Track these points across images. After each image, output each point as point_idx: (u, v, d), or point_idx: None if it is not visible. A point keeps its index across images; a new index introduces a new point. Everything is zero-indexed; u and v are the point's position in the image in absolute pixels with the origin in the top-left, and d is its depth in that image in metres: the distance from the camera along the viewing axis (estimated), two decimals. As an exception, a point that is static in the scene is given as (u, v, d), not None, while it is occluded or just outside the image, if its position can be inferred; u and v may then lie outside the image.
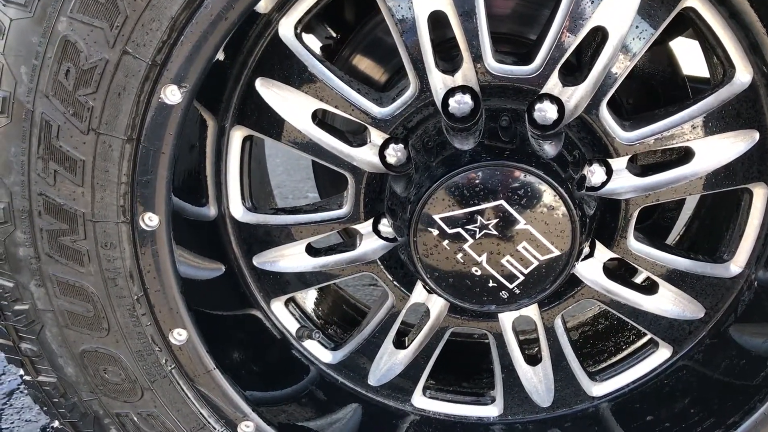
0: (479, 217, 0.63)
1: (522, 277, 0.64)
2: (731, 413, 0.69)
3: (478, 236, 0.63)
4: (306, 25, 0.69)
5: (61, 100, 0.56)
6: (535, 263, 0.63)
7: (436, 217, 0.63)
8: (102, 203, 0.60)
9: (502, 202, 0.62)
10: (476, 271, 0.64)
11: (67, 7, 0.54)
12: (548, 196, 0.61)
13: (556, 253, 0.63)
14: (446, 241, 0.63)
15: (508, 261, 0.64)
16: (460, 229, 0.64)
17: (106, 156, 0.58)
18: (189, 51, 0.56)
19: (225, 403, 0.68)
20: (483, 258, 0.63)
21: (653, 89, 0.76)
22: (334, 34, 0.95)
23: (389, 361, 0.79)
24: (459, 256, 0.64)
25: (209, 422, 0.68)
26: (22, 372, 0.70)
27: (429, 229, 0.63)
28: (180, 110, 0.58)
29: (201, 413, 0.67)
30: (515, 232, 0.62)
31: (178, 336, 0.65)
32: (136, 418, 0.67)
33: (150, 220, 0.61)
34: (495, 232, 0.63)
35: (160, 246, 0.62)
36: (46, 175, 0.59)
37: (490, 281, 0.65)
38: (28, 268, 0.62)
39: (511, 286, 0.65)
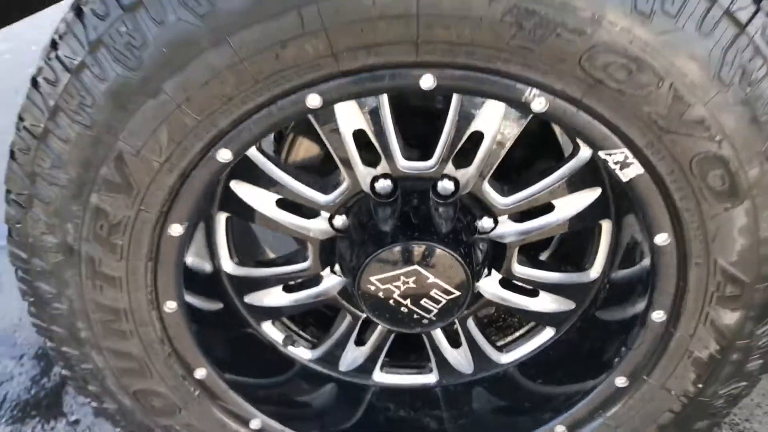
0: (402, 276, 0.89)
1: (436, 311, 0.91)
2: (591, 376, 0.99)
3: (402, 288, 0.89)
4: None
5: (99, 243, 0.80)
6: (443, 302, 0.90)
7: (372, 278, 0.89)
8: (136, 300, 0.85)
9: (416, 266, 0.88)
10: (404, 309, 0.91)
11: (98, 188, 0.76)
12: (447, 259, 0.87)
13: (457, 293, 0.89)
14: (380, 293, 0.89)
15: (425, 302, 0.90)
16: (389, 285, 0.89)
17: (135, 272, 0.83)
18: (185, 201, 0.79)
19: (238, 410, 0.97)
20: (408, 301, 0.90)
21: (533, 159, 1.00)
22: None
23: (353, 355, 1.08)
24: (390, 301, 0.90)
25: (229, 423, 0.97)
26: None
27: (368, 285, 0.89)
28: (183, 237, 0.82)
29: (223, 419, 0.96)
30: (427, 284, 0.89)
31: (200, 372, 0.93)
32: (178, 427, 0.96)
33: (170, 307, 0.87)
34: (413, 285, 0.89)
35: (180, 319, 0.88)
36: (95, 288, 0.83)
37: (415, 314, 0.91)
38: (88, 343, 0.88)
39: (429, 316, 0.92)
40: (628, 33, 0.67)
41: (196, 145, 0.75)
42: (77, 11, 0.73)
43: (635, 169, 0.76)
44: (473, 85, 0.73)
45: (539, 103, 0.72)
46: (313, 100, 0.73)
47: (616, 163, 0.76)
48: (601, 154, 0.76)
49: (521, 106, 0.74)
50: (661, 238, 0.81)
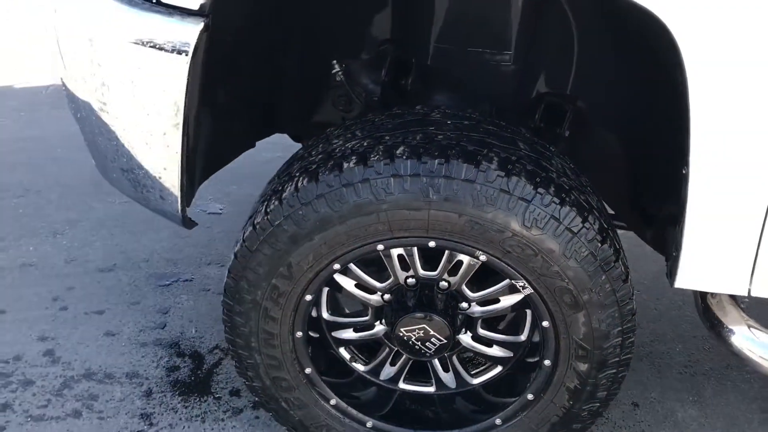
0: (416, 329, 1.70)
1: (434, 349, 1.72)
2: (516, 393, 1.79)
3: (416, 335, 1.70)
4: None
5: (272, 301, 1.65)
6: (438, 344, 1.71)
7: (402, 329, 1.70)
8: (283, 330, 1.69)
9: (424, 325, 1.70)
10: (417, 347, 1.71)
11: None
12: (440, 322, 1.67)
13: (445, 341, 1.70)
14: (405, 337, 1.70)
15: (428, 344, 1.70)
16: (410, 333, 1.70)
17: (285, 317, 1.67)
18: (313, 285, 1.64)
19: (325, 392, 1.79)
20: (419, 343, 1.70)
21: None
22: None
23: (388, 371, 1.86)
24: (410, 342, 1.71)
25: (319, 400, 1.80)
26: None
27: (399, 332, 1.70)
28: (311, 301, 1.67)
29: (316, 396, 1.79)
30: (430, 334, 1.69)
31: (308, 370, 1.76)
32: (292, 399, 1.79)
33: (298, 335, 1.71)
34: (422, 334, 1.70)
35: (301, 342, 1.72)
36: (265, 322, 1.68)
37: (422, 350, 1.72)
38: (254, 350, 1.73)
39: (430, 352, 1.73)
40: (522, 234, 1.50)
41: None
42: None
43: (529, 290, 1.58)
44: (458, 247, 1.56)
45: (484, 258, 1.56)
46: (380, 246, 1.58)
47: (521, 286, 1.58)
48: (514, 281, 1.59)
49: (477, 259, 1.57)
50: (545, 324, 1.62)
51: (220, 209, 3.15)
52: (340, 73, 2.17)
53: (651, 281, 2.73)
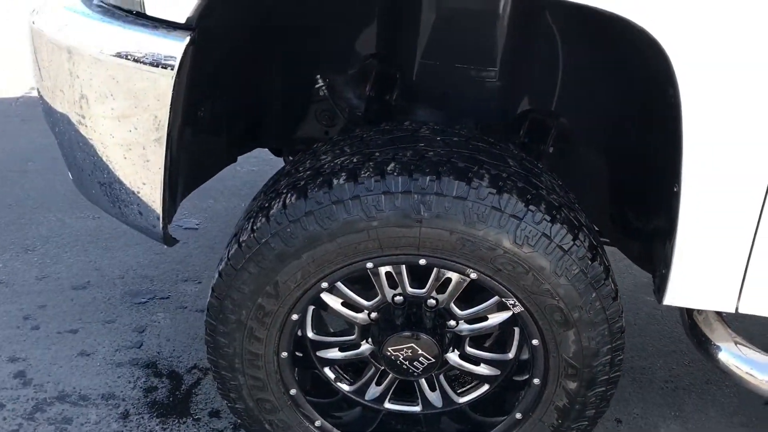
0: (404, 349, 1.68)
1: (422, 368, 1.69)
2: (505, 413, 1.77)
3: (404, 355, 1.68)
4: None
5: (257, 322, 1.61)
6: (426, 364, 1.69)
7: (389, 348, 1.67)
8: (268, 351, 1.65)
9: (412, 344, 1.67)
10: (405, 366, 1.69)
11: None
12: (429, 341, 1.66)
13: (433, 360, 1.68)
14: (393, 356, 1.68)
15: (416, 363, 1.68)
16: (398, 352, 1.68)
17: (270, 336, 1.63)
18: (300, 304, 1.61)
19: (309, 413, 1.76)
20: (407, 362, 1.68)
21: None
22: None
23: (374, 390, 1.84)
24: (398, 361, 1.68)
25: (303, 421, 1.76)
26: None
27: (386, 352, 1.68)
28: (298, 320, 1.63)
29: (301, 418, 1.75)
30: (418, 353, 1.67)
31: (293, 391, 1.72)
32: (276, 421, 1.75)
33: (283, 356, 1.67)
34: (410, 354, 1.67)
35: (286, 362, 1.68)
36: (249, 342, 1.64)
37: (410, 370, 1.70)
38: (238, 370, 1.68)
39: (418, 371, 1.70)
40: (513, 251, 1.49)
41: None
42: None
43: (519, 308, 1.56)
44: (449, 265, 1.54)
45: (474, 276, 1.54)
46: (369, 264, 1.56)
47: (511, 304, 1.57)
48: (504, 299, 1.57)
49: (467, 276, 1.55)
50: (535, 342, 1.61)
51: (197, 224, 3.10)
52: (323, 87, 2.15)
53: (629, 295, 2.75)
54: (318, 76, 2.13)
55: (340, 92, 2.17)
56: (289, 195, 1.53)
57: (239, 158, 2.32)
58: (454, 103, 2.04)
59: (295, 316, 1.63)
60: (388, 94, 2.11)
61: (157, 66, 1.53)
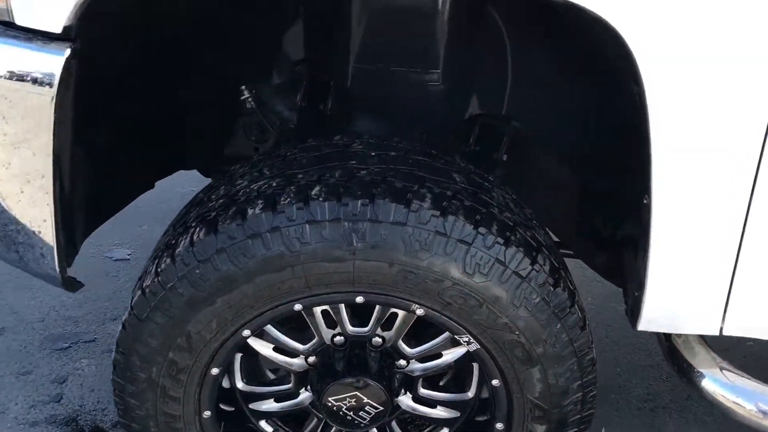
0: (347, 397, 1.45)
1: (369, 418, 1.48)
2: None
3: (348, 404, 1.46)
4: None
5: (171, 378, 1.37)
6: (373, 413, 1.47)
7: (330, 397, 1.45)
8: (187, 411, 1.42)
9: (356, 392, 1.45)
10: (349, 417, 1.47)
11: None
12: (375, 387, 1.44)
13: (382, 408, 1.46)
14: (334, 406, 1.45)
15: (362, 413, 1.46)
16: (340, 402, 1.46)
17: (188, 394, 1.40)
18: (221, 354, 1.37)
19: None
20: (351, 412, 1.46)
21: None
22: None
23: None
24: (340, 412, 1.46)
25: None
26: None
27: (327, 401, 1.46)
28: (218, 375, 1.39)
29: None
30: (363, 402, 1.45)
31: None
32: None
33: (206, 415, 1.43)
34: (355, 403, 1.46)
35: (211, 422, 1.45)
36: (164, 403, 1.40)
37: (356, 420, 1.48)
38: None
39: (365, 422, 1.48)
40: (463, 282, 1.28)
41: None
42: None
43: (475, 345, 1.35)
44: (391, 301, 1.33)
45: (421, 312, 1.32)
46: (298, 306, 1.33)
47: (465, 341, 1.36)
48: (456, 336, 1.36)
49: (413, 313, 1.34)
50: (495, 382, 1.40)
51: (128, 255, 2.83)
52: (250, 99, 1.92)
53: (598, 305, 2.57)
54: (243, 87, 1.91)
55: (269, 104, 1.94)
56: (197, 229, 1.30)
57: (177, 178, 2.08)
58: (395, 110, 1.82)
59: (215, 370, 1.39)
60: (322, 103, 1.89)
61: (33, 83, 1.30)
